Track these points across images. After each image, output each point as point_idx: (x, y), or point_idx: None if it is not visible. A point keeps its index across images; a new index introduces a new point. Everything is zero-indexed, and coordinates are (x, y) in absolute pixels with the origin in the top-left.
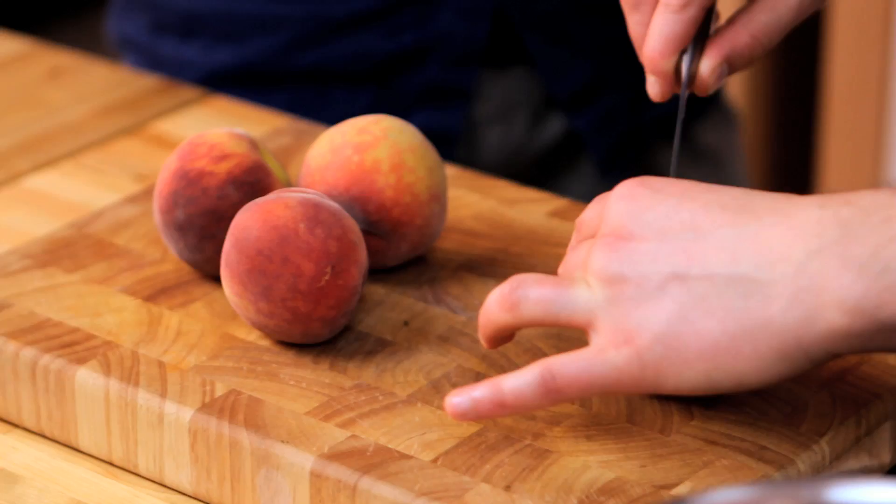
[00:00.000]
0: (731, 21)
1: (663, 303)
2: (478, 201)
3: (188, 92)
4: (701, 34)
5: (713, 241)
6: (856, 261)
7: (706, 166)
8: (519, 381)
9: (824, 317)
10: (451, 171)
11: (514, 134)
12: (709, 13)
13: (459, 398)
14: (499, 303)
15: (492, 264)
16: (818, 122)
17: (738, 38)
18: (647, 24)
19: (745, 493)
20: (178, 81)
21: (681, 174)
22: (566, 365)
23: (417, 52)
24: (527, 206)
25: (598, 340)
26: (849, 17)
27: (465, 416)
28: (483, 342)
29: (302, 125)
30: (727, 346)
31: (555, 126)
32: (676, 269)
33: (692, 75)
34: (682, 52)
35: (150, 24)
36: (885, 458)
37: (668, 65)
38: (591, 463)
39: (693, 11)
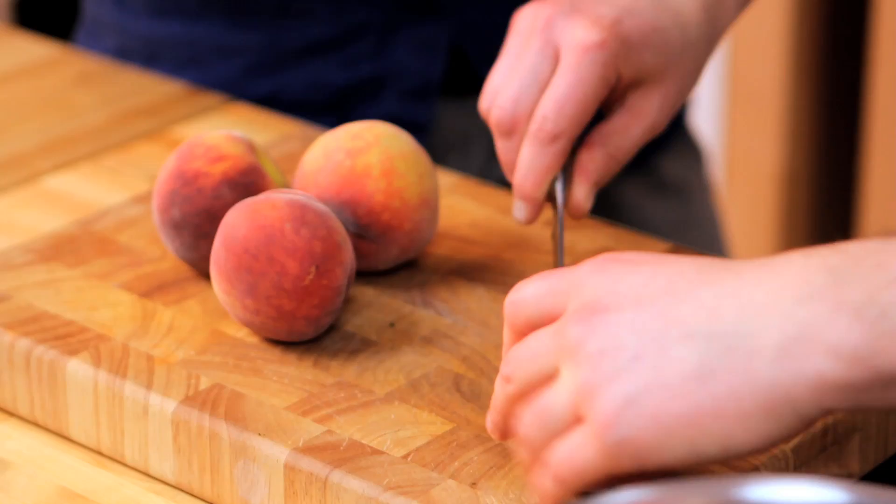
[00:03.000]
0: (590, 142)
1: (641, 372)
2: (474, 209)
3: (210, 98)
4: (569, 158)
5: (691, 303)
6: (850, 305)
7: (673, 198)
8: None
9: (816, 366)
10: (449, 178)
11: (473, 164)
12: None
13: None
14: (497, 433)
15: (483, 270)
16: (858, 183)
17: (600, 160)
18: (516, 152)
19: (656, 492)
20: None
21: (646, 206)
22: (564, 468)
23: (373, 84)
24: None
25: (584, 431)
26: (890, 72)
27: None
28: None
29: (310, 131)
30: (710, 407)
31: None
32: (654, 336)
33: (564, 199)
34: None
35: (116, 48)
36: (854, 467)
37: (540, 193)
38: None
39: (562, 144)
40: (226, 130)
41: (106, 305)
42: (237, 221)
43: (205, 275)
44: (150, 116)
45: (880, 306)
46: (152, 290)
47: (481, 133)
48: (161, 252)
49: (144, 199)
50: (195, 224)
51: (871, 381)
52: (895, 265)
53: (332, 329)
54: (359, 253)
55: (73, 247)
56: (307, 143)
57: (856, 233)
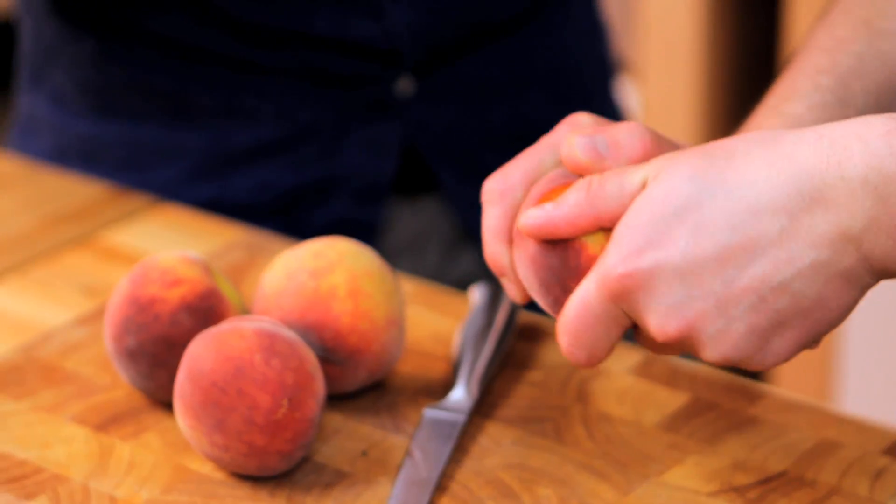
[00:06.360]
0: None
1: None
2: (434, 320)
3: (138, 200)
4: None
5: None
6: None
7: None
8: None
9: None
10: (409, 286)
11: (427, 265)
12: None
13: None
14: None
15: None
16: None
17: None
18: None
19: None
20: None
21: None
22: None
23: (323, 186)
24: None
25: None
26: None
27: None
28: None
29: (255, 238)
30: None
31: (470, 259)
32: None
33: None
34: None
35: (52, 148)
36: None
37: None
38: None
39: None
40: (180, 252)
41: (59, 441)
42: (203, 353)
43: (161, 403)
44: (76, 221)
45: None
46: (107, 421)
47: (435, 233)
48: (112, 378)
49: (87, 319)
50: (152, 353)
51: None
52: None
53: (302, 460)
54: (325, 377)
55: (18, 376)
56: (253, 251)
57: None
